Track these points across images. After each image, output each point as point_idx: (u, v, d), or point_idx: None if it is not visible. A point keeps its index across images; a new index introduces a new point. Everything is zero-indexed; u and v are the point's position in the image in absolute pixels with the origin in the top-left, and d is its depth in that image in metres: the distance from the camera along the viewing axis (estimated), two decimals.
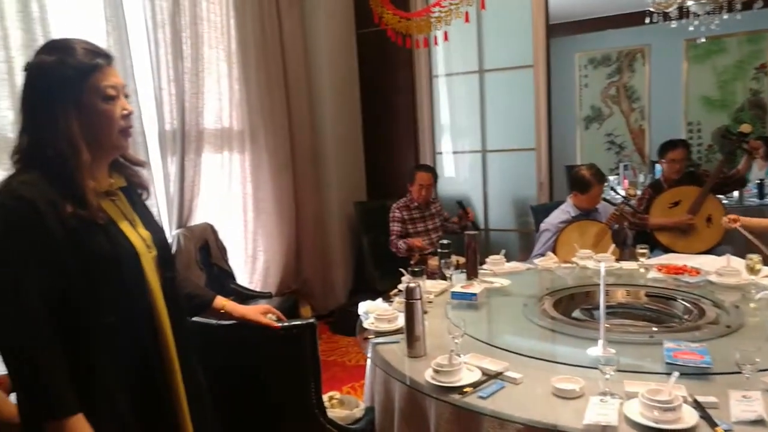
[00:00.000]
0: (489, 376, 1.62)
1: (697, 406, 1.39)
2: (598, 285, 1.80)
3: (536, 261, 3.00)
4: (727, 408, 1.38)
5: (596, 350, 1.75)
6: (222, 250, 3.72)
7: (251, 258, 4.16)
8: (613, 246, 2.84)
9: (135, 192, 1.47)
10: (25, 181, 1.22)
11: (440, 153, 4.91)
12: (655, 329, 2.07)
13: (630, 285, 2.54)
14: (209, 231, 3.65)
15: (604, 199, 3.53)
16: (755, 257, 2.45)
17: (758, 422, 1.32)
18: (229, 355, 1.74)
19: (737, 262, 2.59)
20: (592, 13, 6.80)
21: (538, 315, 2.17)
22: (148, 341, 1.35)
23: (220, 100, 3.83)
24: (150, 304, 1.35)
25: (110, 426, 1.26)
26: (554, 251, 3.20)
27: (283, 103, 4.31)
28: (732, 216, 2.86)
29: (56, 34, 2.78)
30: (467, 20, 3.23)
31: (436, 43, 4.02)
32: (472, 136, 4.76)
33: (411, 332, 1.81)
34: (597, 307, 1.96)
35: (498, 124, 4.65)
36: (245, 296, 3.61)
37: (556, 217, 3.46)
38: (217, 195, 3.86)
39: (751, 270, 2.43)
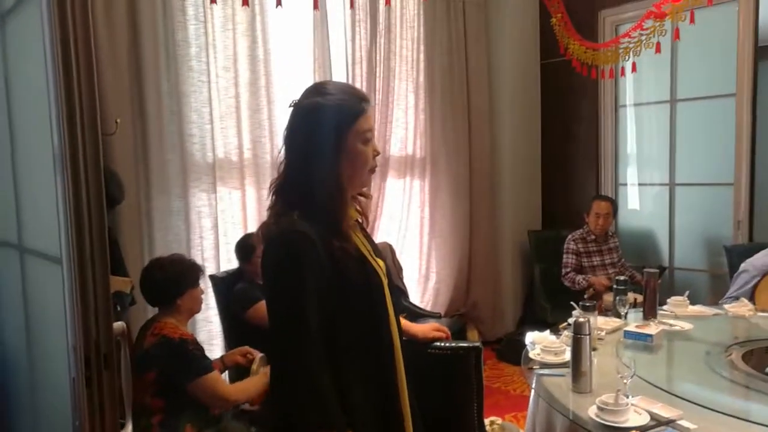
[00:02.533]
0: (659, 422, 1.58)
1: None
2: None
3: (726, 306, 2.76)
4: None
5: None
6: (398, 268, 3.97)
7: (424, 278, 4.36)
8: None
9: (360, 223, 1.52)
10: (299, 216, 1.31)
11: (624, 184, 4.70)
12: None
13: None
14: (388, 250, 3.91)
15: None
16: None
17: None
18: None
19: None
20: None
21: (723, 365, 2.02)
22: (388, 363, 1.42)
23: (406, 129, 4.11)
24: (389, 328, 1.43)
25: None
26: (752, 297, 2.90)
27: (464, 132, 4.48)
28: None
29: (276, 74, 3.25)
30: (658, 51, 3.12)
31: (623, 74, 3.91)
32: (659, 169, 4.49)
33: (577, 367, 1.82)
34: None
35: (691, 156, 4.33)
36: (416, 314, 3.79)
37: (761, 259, 3.10)
38: (398, 217, 4.13)
39: None
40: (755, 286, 2.99)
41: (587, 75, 3.77)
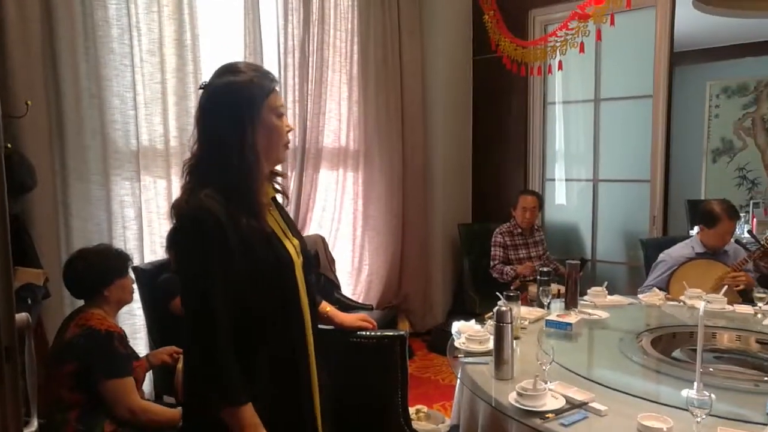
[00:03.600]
0: (573, 405, 1.64)
1: None
2: (699, 325, 1.76)
3: (640, 296, 2.91)
4: None
5: (690, 392, 1.70)
6: (330, 261, 3.95)
7: (356, 271, 4.37)
8: (725, 288, 2.67)
9: (278, 201, 1.58)
10: (208, 195, 1.33)
11: (551, 180, 4.86)
12: (765, 379, 1.97)
13: (742, 330, 2.40)
14: (320, 242, 3.89)
15: (737, 242, 3.29)
16: None
17: None
18: (328, 357, 1.88)
19: None
20: (728, 40, 6.41)
21: (634, 351, 2.13)
22: (296, 338, 1.48)
23: (339, 120, 4.09)
24: (299, 306, 1.48)
25: (262, 409, 1.37)
26: (667, 286, 3.07)
27: (398, 126, 4.51)
28: None
29: (204, 60, 3.15)
30: (582, 51, 3.24)
31: (550, 72, 4.04)
32: (584, 165, 4.68)
33: (499, 354, 1.87)
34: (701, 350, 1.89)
35: (613, 154, 4.54)
36: (348, 307, 3.79)
37: (677, 251, 3.27)
38: (330, 209, 4.11)
39: None
40: (670, 276, 3.15)
41: (517, 72, 3.87)
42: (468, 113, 4.99)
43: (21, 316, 1.81)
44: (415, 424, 1.95)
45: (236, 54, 3.38)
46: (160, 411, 2.05)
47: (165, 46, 3.02)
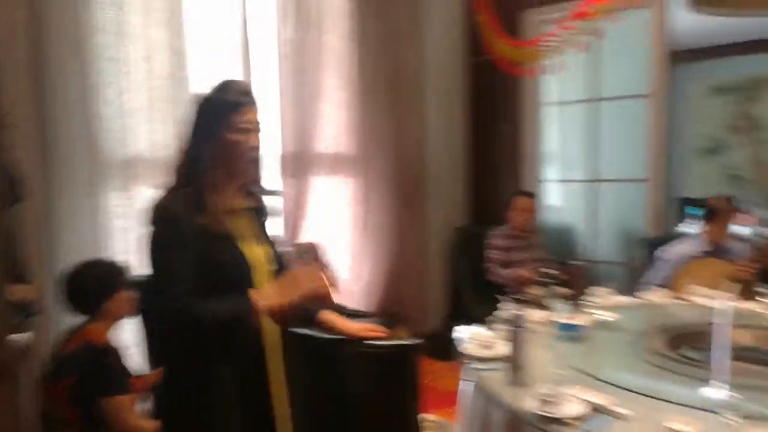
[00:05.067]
0: (596, 410, 1.59)
1: None
2: (715, 324, 1.72)
3: (646, 295, 2.87)
4: None
5: (714, 392, 1.66)
6: (324, 268, 3.87)
7: (355, 277, 4.29)
8: (734, 284, 2.64)
9: (259, 210, 1.68)
10: (172, 199, 1.51)
11: (546, 181, 4.83)
12: None
13: (753, 326, 2.37)
14: (316, 249, 3.81)
15: (739, 237, 3.28)
16: None
17: None
18: (332, 369, 1.81)
19: None
20: (718, 40, 6.44)
21: (648, 351, 2.09)
22: (252, 345, 1.55)
23: (335, 125, 4.02)
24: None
25: (218, 410, 1.48)
26: (672, 284, 3.04)
27: (393, 129, 4.44)
28: None
29: (198, 67, 3.09)
30: (583, 49, 3.19)
31: (548, 73, 3.99)
32: (581, 165, 4.65)
33: (516, 360, 1.81)
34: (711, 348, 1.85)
35: (609, 154, 4.52)
36: (344, 314, 3.69)
37: (680, 248, 3.25)
38: (327, 215, 4.04)
39: None
40: (674, 274, 3.12)
41: (513, 73, 3.84)
42: (463, 116, 4.94)
43: (20, 335, 1.78)
44: None
45: (230, 60, 3.32)
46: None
47: (157, 52, 2.94)
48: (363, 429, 1.76)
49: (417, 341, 1.77)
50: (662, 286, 3.05)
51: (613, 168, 4.50)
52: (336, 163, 4.07)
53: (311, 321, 1.77)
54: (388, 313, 4.40)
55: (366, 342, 1.73)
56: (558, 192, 4.85)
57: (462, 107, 4.93)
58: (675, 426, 1.46)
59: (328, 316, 1.77)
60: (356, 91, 4.11)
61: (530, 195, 4.23)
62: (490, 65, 3.97)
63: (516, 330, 1.80)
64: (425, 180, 4.71)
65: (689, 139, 7.07)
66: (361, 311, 3.97)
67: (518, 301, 2.22)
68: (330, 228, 4.09)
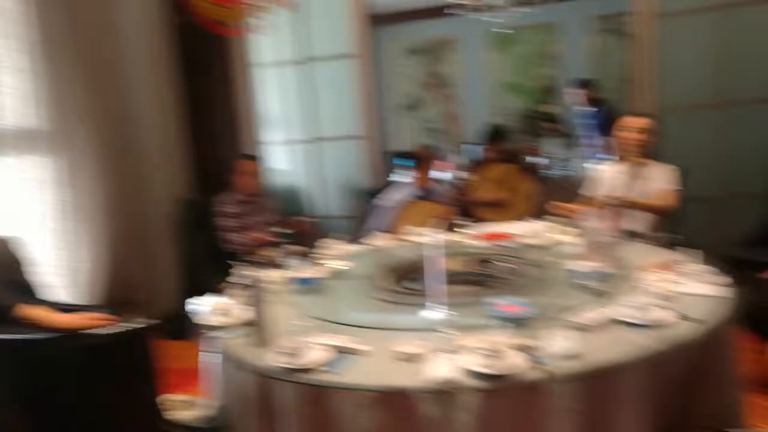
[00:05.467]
0: (338, 352, 1.66)
1: (523, 349, 1.55)
2: (428, 257, 1.93)
3: (373, 241, 3.10)
4: (547, 347, 1.56)
5: (433, 314, 1.88)
6: (20, 262, 3.29)
7: (72, 270, 3.76)
8: (440, 221, 3.02)
9: None
10: None
11: (268, 143, 4.85)
12: (483, 290, 2.27)
13: (457, 254, 2.73)
14: (10, 245, 3.22)
15: (441, 181, 3.72)
16: (555, 219, 2.81)
17: (571, 355, 1.51)
18: (53, 371, 1.56)
19: (542, 225, 2.92)
20: (410, 5, 7.14)
21: (378, 290, 2.27)
22: None
23: (19, 96, 3.38)
24: None
25: None
26: (391, 228, 3.33)
27: (94, 100, 3.92)
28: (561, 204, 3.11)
29: None
30: (292, 9, 3.21)
31: (254, 33, 3.94)
32: (300, 126, 4.77)
33: (257, 322, 1.79)
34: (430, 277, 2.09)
35: (326, 113, 4.72)
36: (67, 312, 3.24)
37: (394, 195, 3.58)
38: (25, 203, 3.42)
39: (553, 230, 2.78)
40: (392, 218, 3.44)
41: (220, 33, 3.69)
42: (172, 80, 4.61)
43: None
44: (171, 414, 1.76)
45: None
46: None
47: None
48: (96, 426, 1.56)
49: (142, 324, 1.61)
50: (384, 230, 3.33)
51: (332, 127, 4.72)
52: (26, 141, 3.45)
53: (4, 318, 1.46)
54: (118, 301, 4.00)
55: (84, 333, 1.52)
56: (283, 153, 4.92)
57: (170, 71, 4.60)
58: (404, 349, 1.61)
59: (30, 311, 1.48)
60: (40, 57, 3.51)
61: (254, 158, 4.20)
62: (198, 26, 3.76)
63: (253, 292, 1.77)
64: (139, 153, 4.31)
65: (394, 97, 7.81)
66: (80, 305, 3.51)
67: (253, 263, 2.19)
68: (32, 217, 3.48)
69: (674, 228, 3.07)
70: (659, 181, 3.00)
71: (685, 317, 1.70)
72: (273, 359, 1.62)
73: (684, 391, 1.65)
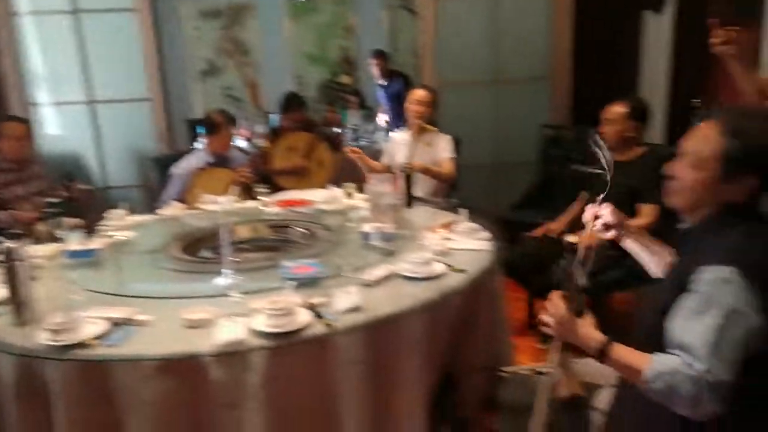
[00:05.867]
0: (116, 324, 1.56)
1: (310, 307, 1.61)
2: (221, 224, 1.89)
3: (164, 211, 2.94)
4: (333, 304, 1.63)
5: (221, 280, 1.85)
6: None
7: None
8: (236, 189, 2.95)
9: None
10: None
11: (38, 104, 4.29)
12: (279, 255, 2.28)
13: (252, 221, 2.71)
14: None
15: (238, 149, 3.61)
16: (350, 185, 2.93)
17: (354, 309, 1.60)
18: None
19: (339, 191, 3.01)
20: None
21: (166, 260, 2.17)
22: None
23: None
24: None
25: None
26: (184, 197, 3.17)
27: None
28: (353, 148, 3.31)
29: None
30: None
31: None
32: (75, 86, 4.27)
33: (16, 297, 1.59)
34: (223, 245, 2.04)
35: (105, 73, 4.28)
36: None
37: (188, 163, 3.40)
38: None
39: (349, 196, 2.89)
40: (186, 186, 3.28)
41: None
42: None
43: None
44: None
45: None
46: None
47: None
48: None
49: None
50: (178, 200, 3.16)
51: (112, 88, 4.30)
52: None
53: None
54: None
55: None
56: (56, 117, 4.37)
57: None
58: (191, 316, 1.56)
59: None
60: None
61: (22, 120, 3.66)
62: None
63: (11, 267, 1.57)
64: None
65: (188, 61, 7.35)
66: None
67: (14, 235, 1.94)
68: None
69: (452, 193, 3.39)
70: (440, 150, 3.27)
71: (454, 269, 1.89)
72: (39, 337, 1.47)
73: (459, 335, 1.84)
